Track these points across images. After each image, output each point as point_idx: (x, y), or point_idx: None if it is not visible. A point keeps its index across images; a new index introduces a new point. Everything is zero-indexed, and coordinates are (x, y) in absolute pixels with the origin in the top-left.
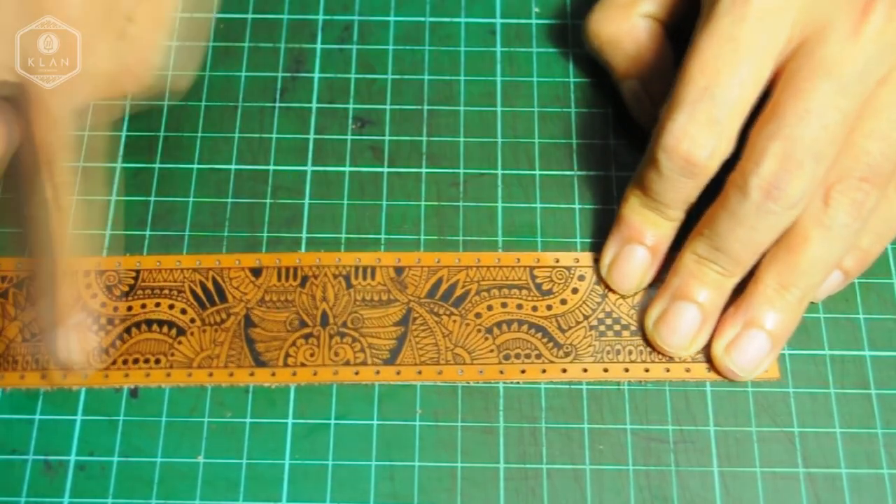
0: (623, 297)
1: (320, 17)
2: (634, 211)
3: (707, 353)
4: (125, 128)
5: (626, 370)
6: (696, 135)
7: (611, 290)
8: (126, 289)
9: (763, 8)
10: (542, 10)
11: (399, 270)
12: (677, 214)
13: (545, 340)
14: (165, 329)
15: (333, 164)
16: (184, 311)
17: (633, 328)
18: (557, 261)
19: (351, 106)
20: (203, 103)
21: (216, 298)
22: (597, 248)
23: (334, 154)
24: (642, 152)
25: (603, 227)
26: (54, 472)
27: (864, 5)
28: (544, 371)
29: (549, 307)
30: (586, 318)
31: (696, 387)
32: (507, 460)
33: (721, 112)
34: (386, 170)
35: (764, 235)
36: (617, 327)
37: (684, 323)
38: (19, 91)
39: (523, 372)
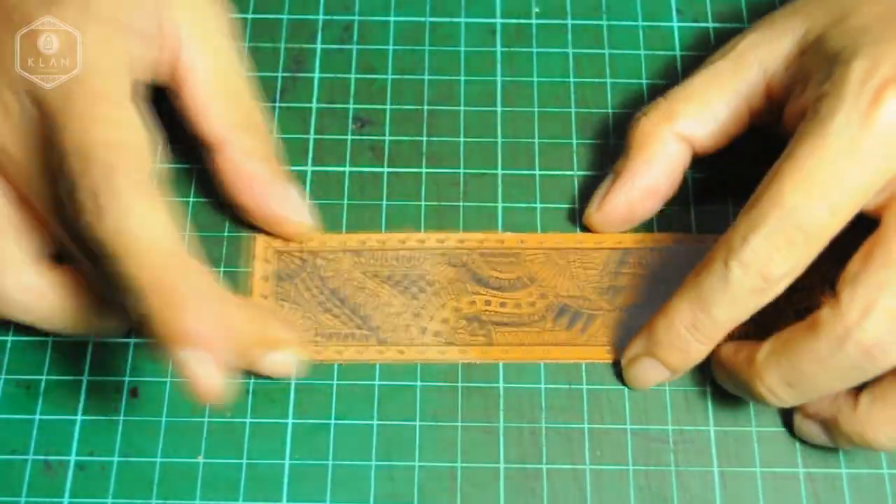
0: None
1: (320, 16)
2: (672, 331)
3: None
4: None
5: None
6: (775, 253)
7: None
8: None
9: (887, 132)
10: (542, 10)
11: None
12: (712, 345)
13: None
14: None
15: (333, 164)
16: None
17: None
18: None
19: (351, 106)
20: None
21: None
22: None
23: (334, 154)
24: None
25: None
26: (54, 472)
27: None
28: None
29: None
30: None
31: (696, 387)
32: (507, 460)
33: (806, 236)
34: (386, 170)
35: (829, 378)
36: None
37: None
38: None
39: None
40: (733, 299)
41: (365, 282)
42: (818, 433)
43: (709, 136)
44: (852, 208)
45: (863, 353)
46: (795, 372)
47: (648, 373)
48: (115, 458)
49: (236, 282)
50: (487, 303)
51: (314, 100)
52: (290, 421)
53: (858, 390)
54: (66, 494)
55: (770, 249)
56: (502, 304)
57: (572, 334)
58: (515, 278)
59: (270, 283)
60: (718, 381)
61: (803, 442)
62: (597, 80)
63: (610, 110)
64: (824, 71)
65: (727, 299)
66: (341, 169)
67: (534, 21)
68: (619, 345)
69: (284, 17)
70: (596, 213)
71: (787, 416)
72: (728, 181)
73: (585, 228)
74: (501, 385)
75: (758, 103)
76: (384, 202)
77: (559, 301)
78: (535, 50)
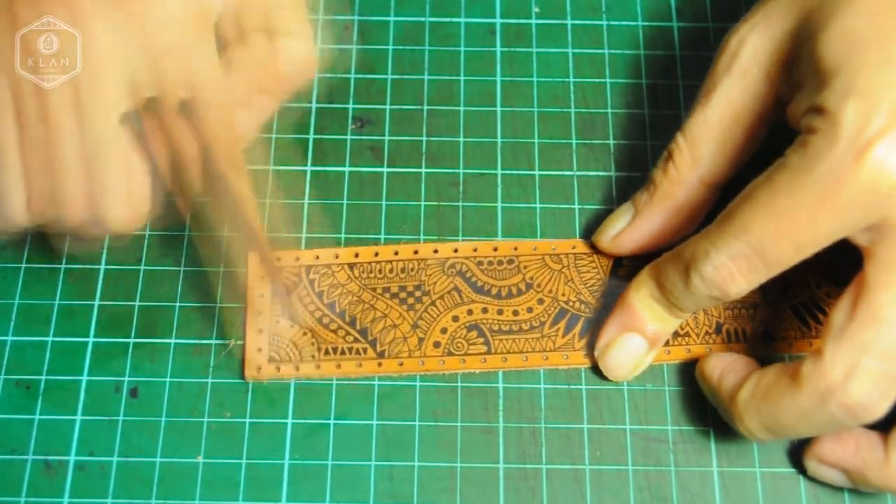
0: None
1: (320, 16)
2: (643, 302)
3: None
4: None
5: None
6: (735, 274)
7: (602, 376)
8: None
9: (869, 183)
10: (542, 10)
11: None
12: (688, 315)
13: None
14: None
15: (333, 164)
16: None
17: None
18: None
19: (351, 106)
20: None
21: None
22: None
23: (334, 154)
24: (642, 153)
25: None
26: (54, 472)
27: None
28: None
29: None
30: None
31: (696, 387)
32: (507, 460)
33: (767, 266)
34: (386, 170)
35: (810, 428)
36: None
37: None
38: (189, 103)
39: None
40: (694, 299)
41: (362, 294)
42: (838, 478)
43: (733, 168)
44: (819, 247)
45: (846, 411)
46: (775, 421)
47: (629, 349)
48: (115, 458)
49: (235, 283)
50: (485, 311)
51: (314, 99)
52: (289, 421)
53: (881, 428)
54: (66, 494)
55: (731, 270)
56: (500, 312)
57: (570, 339)
58: (512, 285)
59: (266, 299)
60: (701, 388)
61: (802, 439)
62: (597, 80)
63: (610, 110)
64: (817, 83)
65: (688, 296)
66: (341, 169)
67: (534, 21)
68: None
69: None
70: (608, 243)
71: None
72: (730, 185)
73: (585, 230)
74: (501, 385)
75: (770, 110)
76: (384, 202)
77: (556, 306)
78: (534, 50)
